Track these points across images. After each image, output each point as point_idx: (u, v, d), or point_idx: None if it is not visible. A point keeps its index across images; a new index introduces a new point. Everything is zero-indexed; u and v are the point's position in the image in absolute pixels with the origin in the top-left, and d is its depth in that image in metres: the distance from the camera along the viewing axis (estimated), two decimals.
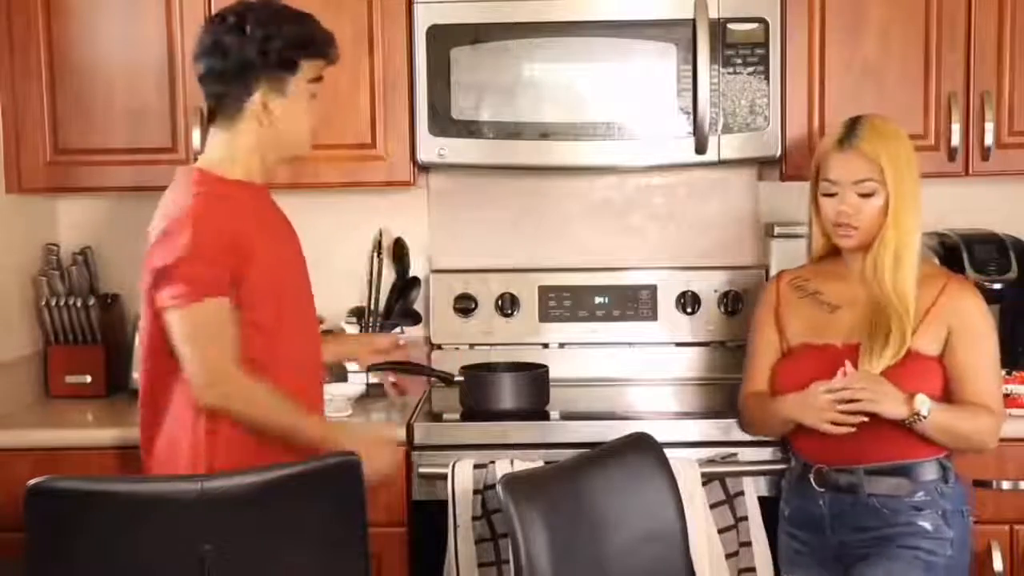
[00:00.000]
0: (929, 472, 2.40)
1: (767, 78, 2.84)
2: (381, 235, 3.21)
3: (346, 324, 3.16)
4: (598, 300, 3.19)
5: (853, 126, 2.46)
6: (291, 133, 2.34)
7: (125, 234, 3.18)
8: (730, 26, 2.83)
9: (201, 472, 2.17)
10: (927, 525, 2.38)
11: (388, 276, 3.22)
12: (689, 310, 3.17)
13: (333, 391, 2.75)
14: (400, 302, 3.21)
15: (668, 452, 2.40)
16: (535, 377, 2.86)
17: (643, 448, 2.38)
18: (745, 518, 2.58)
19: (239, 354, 2.21)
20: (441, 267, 3.25)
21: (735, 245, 3.26)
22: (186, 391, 2.22)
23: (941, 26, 2.85)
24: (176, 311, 2.19)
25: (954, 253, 2.85)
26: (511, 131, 2.87)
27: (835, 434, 2.36)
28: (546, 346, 3.19)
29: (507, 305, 3.18)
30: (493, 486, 2.44)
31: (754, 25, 2.84)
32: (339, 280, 3.15)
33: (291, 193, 2.70)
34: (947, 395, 2.42)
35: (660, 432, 2.47)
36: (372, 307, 3.15)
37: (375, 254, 3.19)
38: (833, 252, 2.56)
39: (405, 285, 3.23)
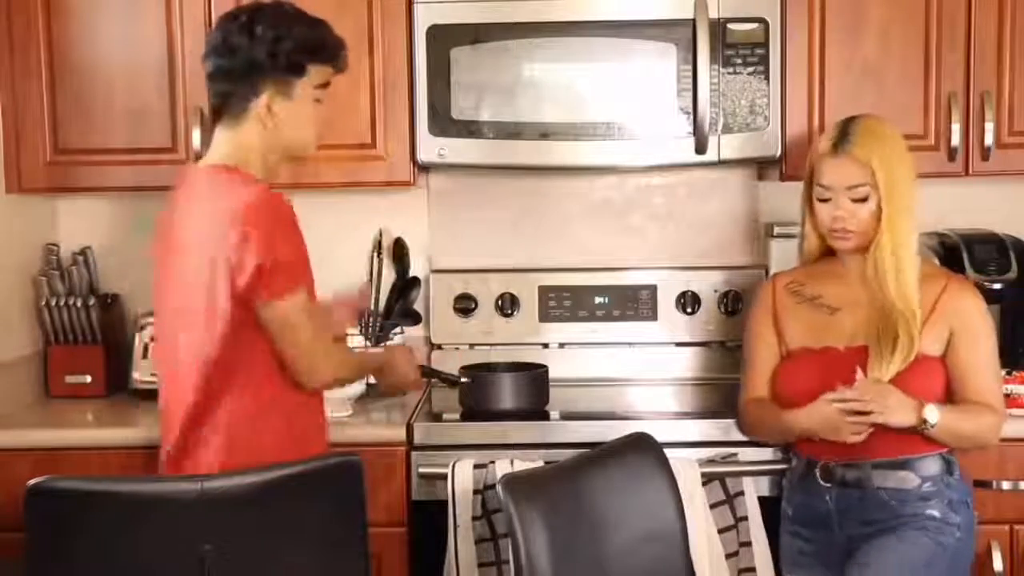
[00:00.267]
0: (935, 465, 2.41)
1: (767, 78, 2.84)
2: (381, 235, 3.21)
3: None
4: (598, 300, 3.19)
5: (846, 128, 2.45)
6: (293, 137, 2.33)
7: (125, 234, 3.19)
8: (730, 26, 2.83)
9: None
10: (935, 512, 2.38)
11: (388, 276, 3.22)
12: (689, 310, 3.17)
13: (333, 392, 2.74)
14: (400, 302, 3.21)
15: (668, 452, 2.40)
16: (535, 377, 2.86)
17: (643, 448, 2.38)
18: (745, 518, 2.57)
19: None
20: (441, 267, 3.25)
21: (735, 245, 3.26)
22: (249, 392, 2.23)
23: (941, 26, 2.85)
24: (281, 303, 2.19)
25: (954, 253, 2.85)
26: (511, 131, 2.87)
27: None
28: (546, 346, 3.19)
29: (507, 305, 3.18)
30: (493, 486, 2.44)
31: (754, 25, 2.84)
32: (339, 280, 3.14)
33: (291, 193, 2.67)
34: (948, 393, 2.43)
35: (660, 432, 2.47)
36: (372, 307, 3.15)
37: (375, 254, 3.20)
38: (828, 252, 2.56)
39: (405, 285, 3.23)
